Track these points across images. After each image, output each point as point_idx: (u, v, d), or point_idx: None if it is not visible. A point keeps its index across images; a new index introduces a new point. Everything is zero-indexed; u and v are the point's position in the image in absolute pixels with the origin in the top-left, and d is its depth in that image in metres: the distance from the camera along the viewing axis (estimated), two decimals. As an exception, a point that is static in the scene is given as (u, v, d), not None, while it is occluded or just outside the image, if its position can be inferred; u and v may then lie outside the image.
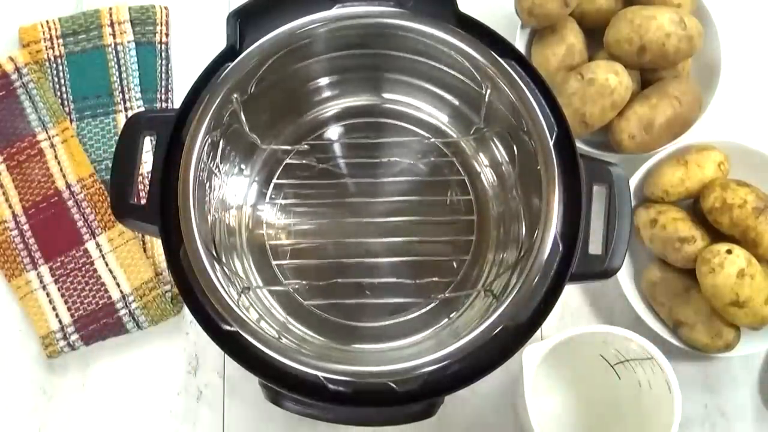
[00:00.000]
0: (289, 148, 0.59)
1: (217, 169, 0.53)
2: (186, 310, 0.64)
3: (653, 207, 0.61)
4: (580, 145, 0.62)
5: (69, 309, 0.63)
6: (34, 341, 0.63)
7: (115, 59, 0.68)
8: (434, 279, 0.57)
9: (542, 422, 0.52)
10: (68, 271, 0.63)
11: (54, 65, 0.68)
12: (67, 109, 0.68)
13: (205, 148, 0.48)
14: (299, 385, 0.44)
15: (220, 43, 0.49)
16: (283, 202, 0.60)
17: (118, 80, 0.68)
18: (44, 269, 0.64)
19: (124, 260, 0.64)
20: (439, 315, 0.57)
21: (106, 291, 0.63)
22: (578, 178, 0.46)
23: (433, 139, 0.60)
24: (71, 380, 0.63)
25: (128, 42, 0.68)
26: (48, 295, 0.63)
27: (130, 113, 0.67)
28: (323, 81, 0.59)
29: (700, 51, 0.61)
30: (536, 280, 0.44)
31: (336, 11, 0.49)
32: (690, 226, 0.59)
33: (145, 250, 0.65)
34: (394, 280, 0.57)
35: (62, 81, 0.68)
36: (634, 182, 0.62)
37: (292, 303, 0.57)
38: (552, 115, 0.47)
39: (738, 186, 0.58)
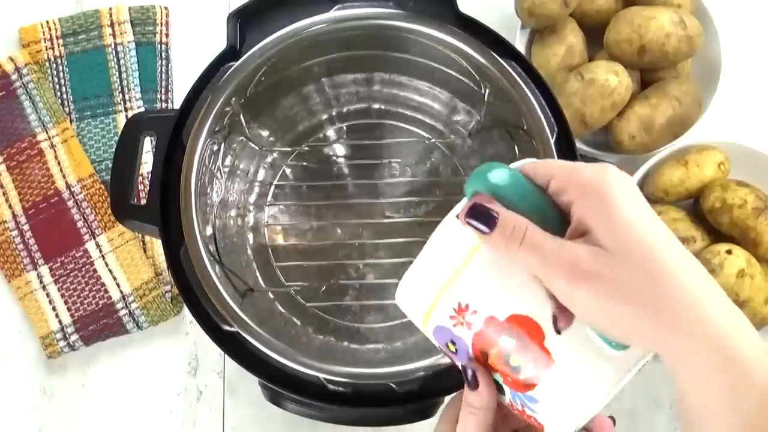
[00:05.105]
0: (289, 149, 0.59)
1: (218, 171, 0.53)
2: (186, 310, 0.64)
3: (653, 207, 0.61)
4: (580, 145, 0.62)
5: (69, 309, 0.63)
6: (34, 341, 0.63)
7: (115, 59, 0.68)
8: (434, 279, 0.57)
9: None
10: (68, 272, 0.63)
11: (54, 65, 0.68)
12: (67, 109, 0.68)
13: (207, 150, 0.48)
14: (299, 385, 0.44)
15: (220, 44, 0.49)
16: (284, 203, 0.60)
17: (118, 80, 0.68)
18: (44, 269, 0.64)
19: (124, 260, 0.63)
20: (439, 315, 0.57)
21: (106, 291, 0.63)
22: (578, 178, 0.46)
23: (433, 140, 0.60)
24: (71, 380, 0.63)
25: (128, 42, 0.68)
26: (48, 295, 0.63)
27: (130, 113, 0.67)
28: (323, 82, 0.59)
29: (700, 51, 0.61)
30: (536, 280, 0.44)
31: (336, 12, 0.49)
32: (690, 226, 0.59)
33: (145, 250, 0.65)
34: (395, 280, 0.57)
35: (62, 81, 0.68)
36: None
37: (293, 303, 0.57)
38: (552, 115, 0.47)
39: (738, 186, 0.58)
